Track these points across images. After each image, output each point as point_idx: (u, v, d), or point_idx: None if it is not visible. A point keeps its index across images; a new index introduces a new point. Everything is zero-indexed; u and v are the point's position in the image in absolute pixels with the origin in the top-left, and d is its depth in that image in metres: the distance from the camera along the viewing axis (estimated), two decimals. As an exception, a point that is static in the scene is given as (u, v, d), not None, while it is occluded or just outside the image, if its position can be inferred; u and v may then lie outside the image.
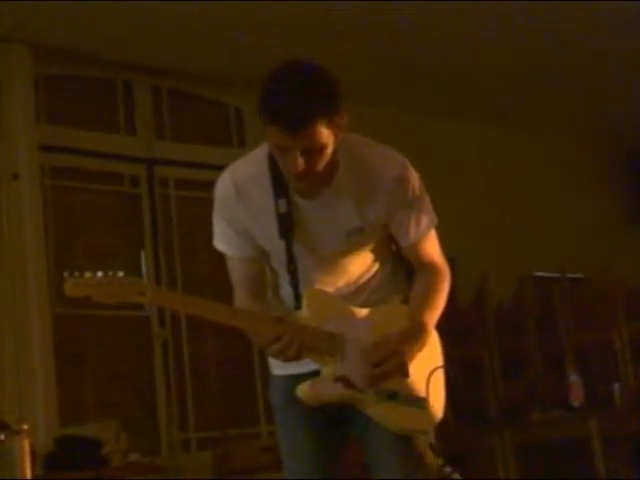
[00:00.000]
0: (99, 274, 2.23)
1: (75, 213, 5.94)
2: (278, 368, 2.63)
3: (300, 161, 2.29)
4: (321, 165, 2.34)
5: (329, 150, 2.33)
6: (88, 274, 2.22)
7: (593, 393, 5.97)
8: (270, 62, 2.34)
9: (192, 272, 6.22)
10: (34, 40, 5.57)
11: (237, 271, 2.56)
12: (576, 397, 5.73)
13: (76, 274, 2.22)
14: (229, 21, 5.70)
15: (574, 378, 5.79)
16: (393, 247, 2.63)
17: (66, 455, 4.78)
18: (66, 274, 2.22)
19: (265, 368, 2.77)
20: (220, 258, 2.64)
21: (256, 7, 5.53)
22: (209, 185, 2.59)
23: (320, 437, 2.56)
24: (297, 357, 2.36)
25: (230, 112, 6.66)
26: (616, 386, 5.84)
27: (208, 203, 2.59)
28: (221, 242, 2.55)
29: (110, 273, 2.24)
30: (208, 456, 5.68)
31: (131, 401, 5.89)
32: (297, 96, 2.24)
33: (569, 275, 6.98)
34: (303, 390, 2.39)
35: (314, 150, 2.29)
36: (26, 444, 3.73)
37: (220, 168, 2.58)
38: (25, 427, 3.85)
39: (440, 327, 2.61)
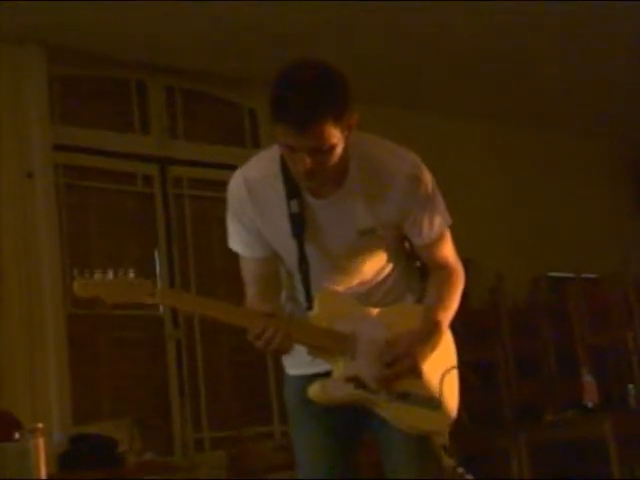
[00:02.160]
0: (109, 274, 2.23)
1: (89, 212, 5.95)
2: (292, 368, 2.63)
3: (308, 160, 2.29)
4: (331, 164, 2.33)
5: (338, 150, 2.33)
6: (98, 274, 2.23)
7: (607, 394, 5.94)
8: (284, 62, 2.34)
9: (206, 271, 6.23)
10: (49, 40, 5.59)
11: (249, 271, 2.57)
12: (590, 398, 5.70)
13: (86, 274, 2.22)
14: (243, 21, 5.70)
15: (588, 379, 5.76)
16: (407, 245, 2.63)
17: (81, 454, 4.79)
18: (75, 273, 2.22)
19: (279, 368, 2.77)
20: (234, 257, 2.65)
21: (270, 7, 5.53)
22: (222, 185, 2.59)
23: (334, 436, 2.56)
24: (283, 349, 2.35)
25: (244, 112, 6.66)
26: (630, 387, 5.80)
27: (221, 203, 2.59)
28: (235, 242, 2.55)
29: (120, 273, 2.24)
30: (222, 455, 5.69)
31: (145, 400, 5.89)
32: (305, 95, 2.24)
33: (583, 275, 6.95)
34: (314, 390, 2.39)
35: (323, 150, 2.29)
36: (41, 443, 3.72)
37: (234, 168, 2.58)
38: (40, 426, 3.84)
39: (454, 328, 2.60)
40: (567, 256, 7.40)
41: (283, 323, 2.33)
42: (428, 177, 2.51)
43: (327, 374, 2.43)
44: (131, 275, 2.25)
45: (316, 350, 2.40)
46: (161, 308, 5.92)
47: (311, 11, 5.65)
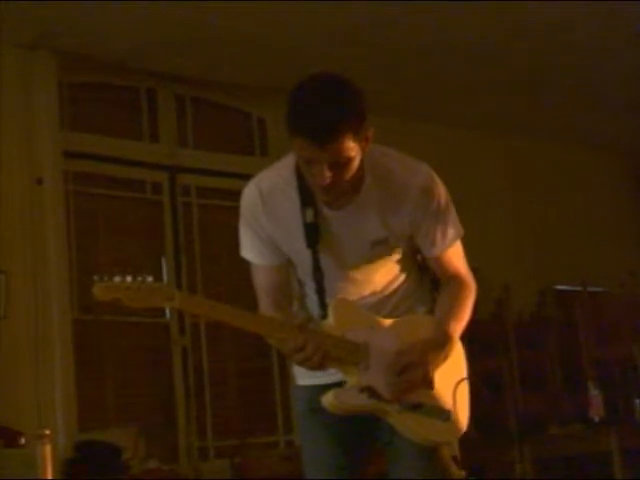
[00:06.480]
0: (128, 278, 2.23)
1: (97, 219, 5.96)
2: (302, 378, 2.62)
3: (327, 174, 2.29)
4: (348, 177, 2.34)
5: (356, 162, 2.33)
6: (117, 278, 2.23)
7: (613, 408, 5.92)
8: (293, 72, 2.34)
9: (213, 279, 6.23)
10: (60, 47, 5.61)
11: (262, 279, 2.56)
12: (596, 411, 5.69)
13: (105, 278, 2.23)
14: (252, 31, 5.72)
15: (594, 392, 5.75)
16: (419, 257, 2.63)
17: (85, 461, 4.80)
18: (96, 277, 2.22)
19: (284, 377, 2.78)
20: (240, 266, 2.64)
21: (279, 17, 5.55)
22: (231, 193, 2.60)
23: (343, 447, 2.55)
24: (321, 366, 2.36)
25: (253, 121, 6.69)
26: (637, 401, 5.79)
27: (229, 211, 2.60)
28: (247, 251, 2.54)
29: (139, 278, 2.24)
30: (226, 464, 5.68)
31: (150, 408, 5.90)
32: (324, 109, 2.24)
33: (590, 289, 6.94)
34: (328, 399, 2.39)
35: (341, 163, 2.29)
36: (47, 449, 3.71)
37: (242, 177, 2.58)
38: (47, 432, 3.83)
39: (460, 339, 2.60)
40: (574, 269, 7.39)
41: (320, 339, 2.33)
42: (441, 189, 2.51)
43: (338, 385, 2.43)
44: (149, 279, 2.25)
45: (329, 359, 2.40)
46: (167, 314, 5.93)
47: (320, 21, 5.66)
